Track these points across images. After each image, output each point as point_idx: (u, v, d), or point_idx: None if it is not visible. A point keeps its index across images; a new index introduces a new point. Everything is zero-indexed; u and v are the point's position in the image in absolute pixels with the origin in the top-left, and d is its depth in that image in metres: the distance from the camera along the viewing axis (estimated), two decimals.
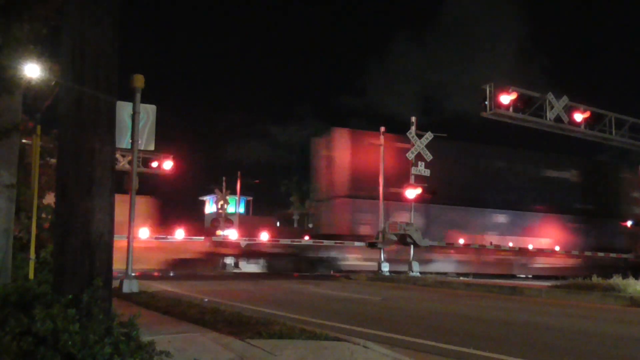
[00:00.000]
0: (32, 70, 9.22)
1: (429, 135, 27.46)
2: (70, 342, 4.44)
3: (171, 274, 27.19)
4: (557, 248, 40.19)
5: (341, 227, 35.69)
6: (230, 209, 49.59)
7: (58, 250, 5.57)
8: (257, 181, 51.53)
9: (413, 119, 27.71)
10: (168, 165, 34.22)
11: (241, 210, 54.15)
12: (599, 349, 8.37)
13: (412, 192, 27.29)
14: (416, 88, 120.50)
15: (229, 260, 34.67)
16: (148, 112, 15.34)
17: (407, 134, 27.50)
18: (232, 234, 37.85)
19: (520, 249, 38.28)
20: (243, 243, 33.86)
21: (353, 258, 33.30)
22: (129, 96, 14.98)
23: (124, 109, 14.66)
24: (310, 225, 44.94)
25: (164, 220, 38.84)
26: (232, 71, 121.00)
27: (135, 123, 14.84)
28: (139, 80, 14.98)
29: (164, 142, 37.80)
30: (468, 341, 8.19)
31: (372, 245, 29.06)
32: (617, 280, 16.86)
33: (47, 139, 14.34)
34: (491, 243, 37.06)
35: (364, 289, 19.31)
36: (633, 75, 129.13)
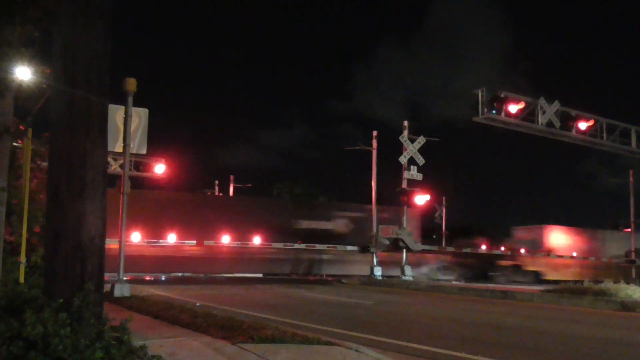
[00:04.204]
0: (24, 73, 9.19)
1: (421, 139, 27.49)
2: (60, 347, 4.42)
3: (163, 278, 27.08)
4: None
5: None
6: None
7: (49, 254, 5.54)
8: (250, 185, 51.35)
9: (405, 123, 27.74)
10: (160, 168, 34.03)
11: None
12: (590, 352, 8.40)
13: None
14: (405, 93, 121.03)
15: None
16: (140, 116, 15.31)
17: (400, 137, 27.52)
18: (224, 238, 37.74)
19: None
20: None
21: None
22: (121, 99, 14.96)
23: (116, 113, 14.63)
24: None
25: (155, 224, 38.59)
26: (223, 76, 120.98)
27: (127, 126, 14.80)
28: (131, 84, 14.94)
29: (156, 145, 37.77)
30: (459, 345, 8.20)
31: (364, 250, 29.04)
32: (608, 284, 16.94)
33: (39, 142, 14.27)
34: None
35: (356, 293, 19.30)
36: (624, 80, 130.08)
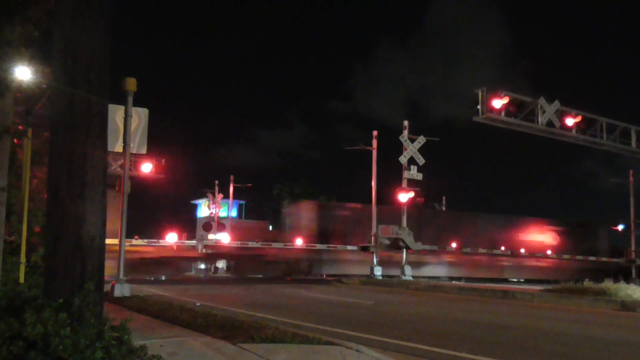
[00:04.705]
0: (24, 73, 9.19)
1: (421, 139, 27.49)
2: (61, 347, 4.42)
3: (163, 278, 27.09)
4: (548, 252, 40.50)
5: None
6: (222, 213, 49.42)
7: (49, 254, 5.54)
8: (250, 185, 51.38)
9: (405, 123, 27.74)
10: (160, 169, 33.94)
11: (234, 214, 53.95)
12: (590, 352, 8.39)
13: (404, 196, 27.32)
14: (405, 93, 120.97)
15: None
16: (140, 116, 15.30)
17: (400, 137, 27.53)
18: (224, 238, 37.74)
19: (512, 252, 38.45)
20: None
21: None
22: (121, 99, 14.95)
23: (115, 112, 14.62)
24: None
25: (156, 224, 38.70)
26: (223, 76, 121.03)
27: (127, 126, 14.79)
28: (131, 84, 14.93)
29: (156, 145, 37.70)
30: (460, 345, 8.20)
31: (364, 249, 29.05)
32: (608, 284, 16.92)
33: (39, 142, 14.26)
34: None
35: (356, 293, 19.30)
36: (624, 80, 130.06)
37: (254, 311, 11.95)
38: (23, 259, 10.67)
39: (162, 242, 32.18)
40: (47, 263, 5.62)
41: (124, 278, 14.33)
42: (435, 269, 36.15)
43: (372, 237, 28.37)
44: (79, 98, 5.50)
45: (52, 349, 4.41)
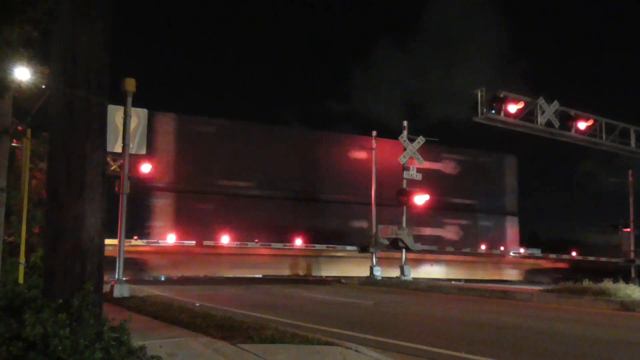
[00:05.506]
0: (23, 74, 9.19)
1: (420, 140, 27.49)
2: (60, 347, 4.41)
3: (162, 279, 27.08)
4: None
5: None
6: None
7: (48, 254, 5.53)
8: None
9: (405, 123, 27.74)
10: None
11: None
12: (590, 352, 8.40)
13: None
14: (404, 94, 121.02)
15: None
16: (139, 116, 15.32)
17: (399, 138, 27.53)
18: (224, 239, 37.73)
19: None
20: None
21: None
22: (120, 100, 14.95)
23: (115, 113, 14.62)
24: None
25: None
26: (221, 76, 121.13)
27: (126, 127, 14.79)
28: (130, 84, 14.94)
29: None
30: (460, 345, 8.20)
31: (364, 250, 29.02)
32: (607, 284, 16.91)
33: (38, 142, 14.26)
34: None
35: (355, 294, 19.30)
36: (624, 80, 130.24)
37: (253, 311, 11.95)
38: (22, 259, 10.65)
39: (161, 243, 32.04)
40: (47, 263, 5.61)
41: (124, 279, 14.34)
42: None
43: (371, 238, 28.34)
44: (79, 98, 5.49)
45: (51, 349, 4.41)
